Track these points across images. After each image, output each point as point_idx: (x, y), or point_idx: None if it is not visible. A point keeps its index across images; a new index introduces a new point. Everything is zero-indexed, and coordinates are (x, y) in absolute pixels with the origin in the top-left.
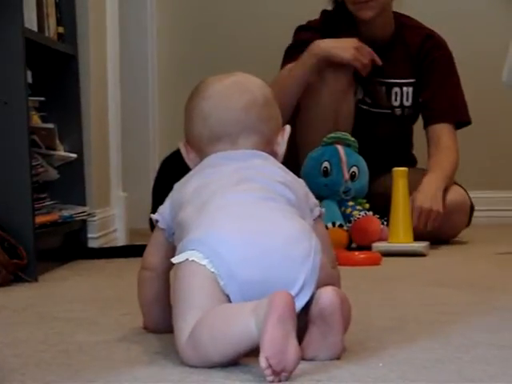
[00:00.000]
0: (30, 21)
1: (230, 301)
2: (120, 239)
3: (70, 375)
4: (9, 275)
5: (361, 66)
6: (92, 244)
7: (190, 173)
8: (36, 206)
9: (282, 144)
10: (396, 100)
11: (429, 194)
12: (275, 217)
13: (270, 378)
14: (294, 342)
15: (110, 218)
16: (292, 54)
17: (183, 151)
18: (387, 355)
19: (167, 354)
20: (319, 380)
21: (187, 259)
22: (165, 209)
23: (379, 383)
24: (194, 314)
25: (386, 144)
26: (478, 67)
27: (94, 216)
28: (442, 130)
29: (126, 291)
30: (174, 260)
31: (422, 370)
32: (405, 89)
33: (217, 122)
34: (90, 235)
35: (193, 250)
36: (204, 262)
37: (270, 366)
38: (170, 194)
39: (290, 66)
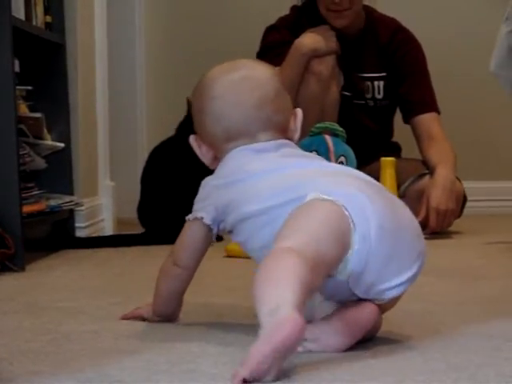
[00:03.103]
0: (18, 9)
1: (343, 255)
2: (107, 228)
3: (57, 364)
4: None
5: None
6: (79, 233)
7: (225, 165)
8: (23, 195)
9: (295, 130)
10: (368, 93)
11: (445, 190)
12: (398, 202)
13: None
14: (277, 370)
15: (98, 207)
16: (270, 56)
17: (194, 145)
18: (373, 344)
19: (155, 344)
20: (306, 369)
21: (334, 201)
22: (205, 205)
23: (366, 372)
24: (303, 239)
25: (366, 133)
26: (468, 56)
27: (82, 205)
28: (431, 120)
29: (114, 280)
30: (316, 195)
31: (408, 359)
32: (376, 83)
33: (231, 123)
34: (77, 224)
35: (335, 200)
36: (347, 213)
37: (244, 380)
38: (206, 191)
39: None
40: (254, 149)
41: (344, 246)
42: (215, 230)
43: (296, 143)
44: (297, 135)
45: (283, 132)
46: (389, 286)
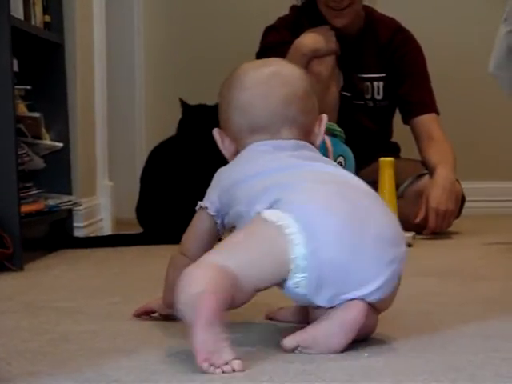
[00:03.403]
0: (17, 9)
1: (282, 273)
2: (106, 228)
3: (55, 364)
4: None
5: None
6: (78, 233)
7: (238, 159)
8: (22, 194)
9: (319, 135)
10: (367, 93)
11: (445, 191)
12: (372, 206)
13: (218, 371)
14: (225, 343)
15: (96, 207)
16: (270, 56)
17: (217, 138)
18: (372, 345)
19: (153, 344)
20: (305, 370)
21: (275, 222)
22: (212, 195)
23: (365, 373)
24: (228, 258)
25: (366, 133)
26: (467, 56)
27: (80, 205)
28: (430, 121)
29: (112, 280)
30: (263, 214)
31: (407, 359)
32: (375, 83)
33: (256, 115)
34: (75, 224)
35: (289, 211)
36: (289, 231)
37: (210, 364)
38: (216, 181)
39: None
40: (272, 145)
41: (279, 264)
42: (219, 222)
43: (316, 148)
44: (319, 140)
45: (307, 134)
46: (357, 295)
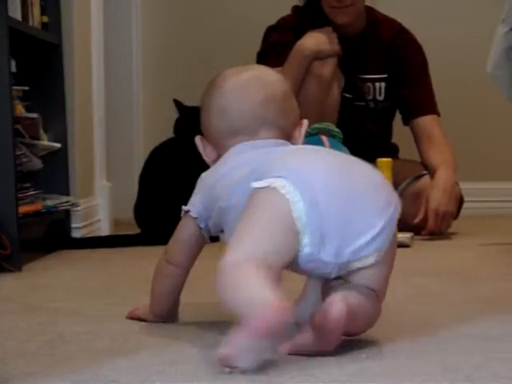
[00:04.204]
0: (14, 10)
1: (296, 238)
2: (104, 229)
3: (53, 365)
4: None
5: (341, 52)
6: (76, 234)
7: (219, 162)
8: (19, 195)
9: (299, 138)
10: (369, 94)
11: (445, 192)
12: (356, 163)
13: (227, 370)
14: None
15: (94, 207)
16: (271, 57)
17: (199, 145)
18: (371, 346)
19: (151, 344)
20: (303, 370)
21: (268, 186)
22: (194, 199)
23: (363, 373)
24: (247, 245)
25: (366, 135)
26: (465, 57)
27: (78, 206)
28: (431, 122)
29: (110, 281)
30: (255, 184)
31: (405, 360)
32: (377, 84)
33: (235, 117)
34: (73, 225)
35: (278, 176)
36: (284, 191)
37: (226, 364)
38: (198, 186)
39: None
40: (250, 145)
41: (290, 227)
42: (204, 227)
43: None
44: (299, 143)
45: (287, 137)
46: (360, 245)
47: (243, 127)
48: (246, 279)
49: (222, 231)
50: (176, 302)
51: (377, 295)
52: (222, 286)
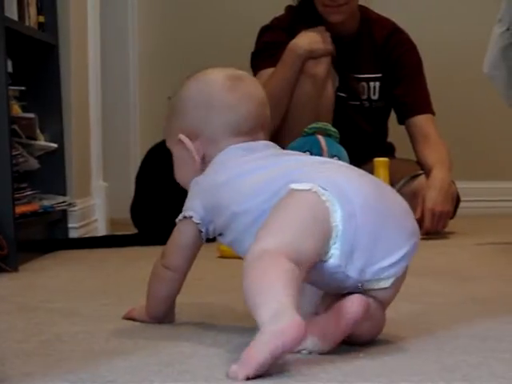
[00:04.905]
0: (11, 10)
1: (327, 245)
2: (101, 229)
3: (50, 365)
4: None
5: (335, 52)
6: (73, 234)
7: (213, 166)
8: (16, 195)
9: None
10: (364, 94)
11: (441, 192)
12: (384, 186)
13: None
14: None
15: (91, 207)
16: (264, 57)
17: (186, 141)
18: (368, 346)
19: (147, 345)
20: (300, 370)
21: (310, 189)
22: (194, 204)
23: (360, 373)
24: (283, 236)
25: (361, 134)
26: (461, 57)
27: (75, 206)
28: (426, 122)
29: (107, 281)
30: (294, 186)
31: (403, 360)
32: (371, 84)
33: (244, 114)
34: (70, 225)
35: (318, 185)
36: (325, 198)
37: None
38: (195, 190)
39: (269, 70)
40: (242, 148)
41: (324, 232)
42: (204, 231)
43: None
44: None
45: (267, 138)
46: (382, 266)
47: (249, 126)
48: (275, 277)
49: (221, 234)
50: (172, 306)
51: (384, 309)
52: (246, 273)
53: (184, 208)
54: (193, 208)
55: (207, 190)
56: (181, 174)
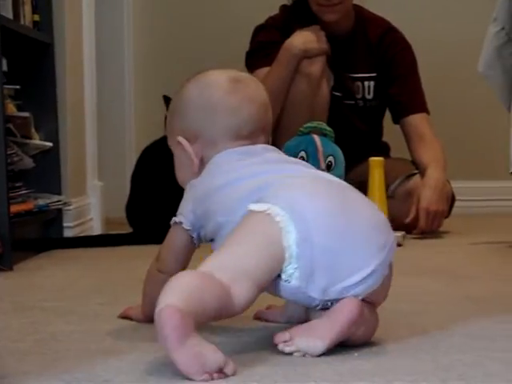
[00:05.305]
0: (6, 8)
1: (279, 267)
2: (96, 228)
3: (45, 365)
4: None
5: (330, 51)
6: (68, 233)
7: (208, 170)
8: (11, 194)
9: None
10: (358, 93)
11: (436, 191)
12: (356, 198)
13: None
14: (209, 349)
15: (86, 207)
16: (259, 56)
17: (185, 142)
18: (362, 345)
19: (143, 344)
20: (295, 370)
21: (264, 211)
22: (186, 209)
23: (354, 373)
24: (228, 259)
25: (356, 133)
26: (456, 56)
27: (70, 205)
28: (421, 121)
29: (102, 280)
30: (252, 206)
31: (397, 359)
32: (366, 83)
33: (246, 117)
34: (65, 224)
35: (275, 204)
36: (279, 219)
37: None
38: (188, 194)
39: (264, 69)
40: (242, 151)
41: (275, 253)
42: (195, 236)
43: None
44: None
45: (268, 141)
46: (348, 285)
47: (251, 129)
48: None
49: (212, 240)
50: None
51: (375, 309)
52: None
53: (178, 211)
54: (183, 213)
55: (200, 195)
56: (180, 175)
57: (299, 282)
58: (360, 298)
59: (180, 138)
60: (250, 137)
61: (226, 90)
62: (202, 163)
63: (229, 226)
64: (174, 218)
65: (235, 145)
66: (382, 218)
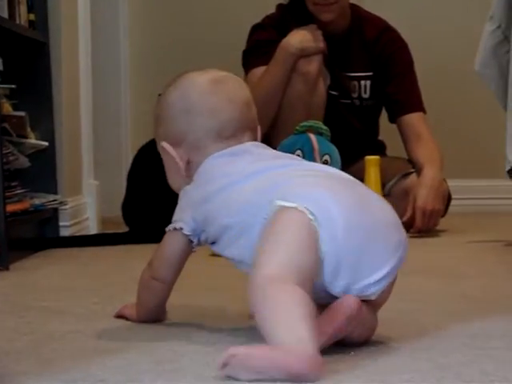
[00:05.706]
0: (1, 7)
1: (319, 261)
2: (92, 228)
3: (41, 364)
4: None
5: (326, 50)
6: (64, 232)
7: (200, 175)
8: (7, 194)
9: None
10: (355, 92)
11: (432, 190)
12: (372, 196)
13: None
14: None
15: (82, 206)
16: (256, 55)
17: (168, 147)
18: (359, 344)
19: (139, 343)
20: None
21: (296, 207)
22: (184, 215)
23: (351, 371)
24: (280, 257)
25: (352, 132)
26: (453, 55)
27: (66, 204)
28: (417, 120)
29: (98, 280)
30: (282, 202)
31: (394, 358)
32: (362, 82)
33: (226, 118)
34: (61, 223)
35: (299, 203)
36: (312, 217)
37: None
38: (185, 201)
39: (261, 68)
40: (229, 153)
41: (316, 251)
42: (196, 241)
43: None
44: None
45: (255, 138)
46: (368, 283)
47: (233, 129)
48: (284, 304)
49: (214, 243)
50: (163, 311)
51: (375, 311)
52: (258, 302)
53: (174, 218)
54: (183, 219)
55: (198, 201)
56: (170, 180)
57: (324, 277)
58: (373, 297)
59: (164, 143)
60: (234, 136)
61: (205, 92)
62: (190, 167)
63: (236, 227)
64: (171, 225)
65: (220, 146)
66: (394, 215)
